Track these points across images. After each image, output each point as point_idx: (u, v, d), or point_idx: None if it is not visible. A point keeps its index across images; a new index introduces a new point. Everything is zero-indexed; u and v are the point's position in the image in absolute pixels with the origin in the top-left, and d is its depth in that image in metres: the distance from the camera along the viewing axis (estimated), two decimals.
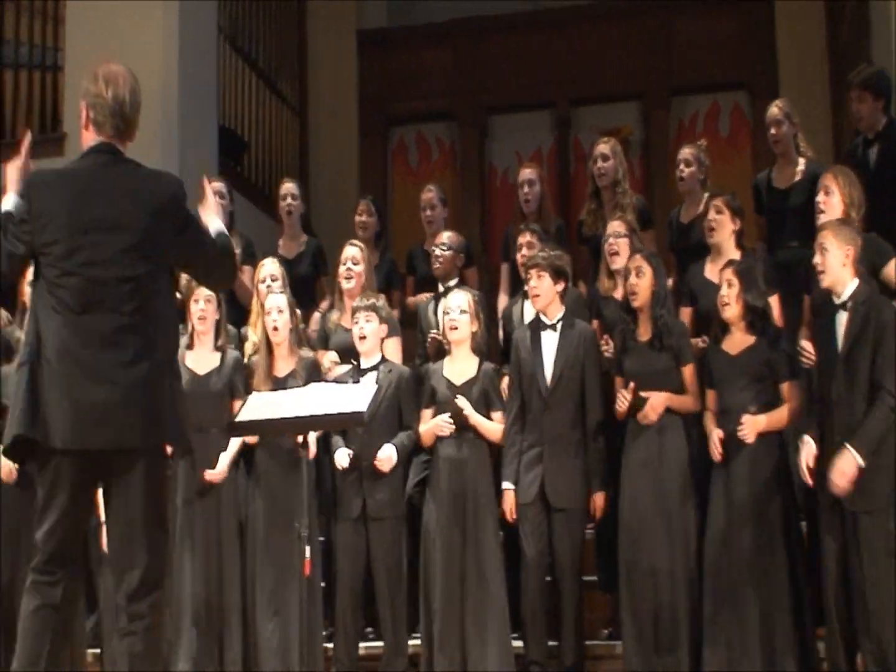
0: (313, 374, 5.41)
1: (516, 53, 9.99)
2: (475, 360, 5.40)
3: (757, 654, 4.74)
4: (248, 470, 5.44)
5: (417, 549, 5.29)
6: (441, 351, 5.67)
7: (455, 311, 5.38)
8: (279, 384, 5.35)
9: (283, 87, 10.12)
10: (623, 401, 5.07)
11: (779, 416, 4.93)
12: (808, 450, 4.62)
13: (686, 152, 6.23)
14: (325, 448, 5.41)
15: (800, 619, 4.77)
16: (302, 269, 6.78)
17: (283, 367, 5.47)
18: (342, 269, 5.91)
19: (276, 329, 5.47)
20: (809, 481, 4.64)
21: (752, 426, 4.86)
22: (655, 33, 9.81)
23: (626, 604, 5.00)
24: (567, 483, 5.17)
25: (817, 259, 4.66)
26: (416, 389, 5.47)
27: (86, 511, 3.44)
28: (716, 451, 4.91)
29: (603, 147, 6.34)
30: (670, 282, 5.65)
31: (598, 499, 5.19)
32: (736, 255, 5.44)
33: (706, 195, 5.92)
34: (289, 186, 6.98)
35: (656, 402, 5.03)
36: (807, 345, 4.99)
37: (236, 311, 6.18)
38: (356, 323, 5.44)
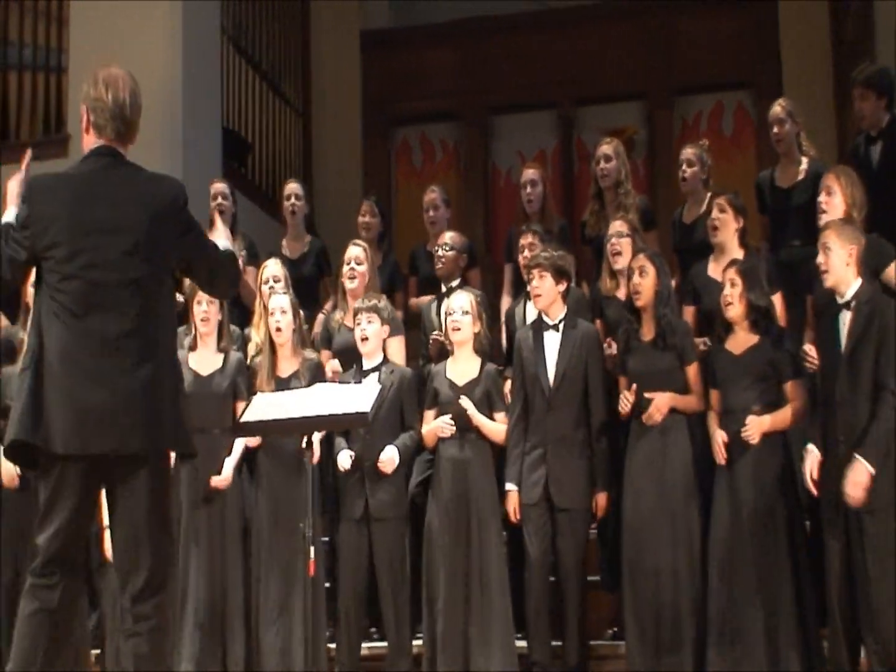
0: (317, 375, 5.42)
1: (520, 53, 9.99)
2: (477, 361, 5.40)
3: (761, 655, 4.74)
4: (251, 473, 5.44)
5: (420, 549, 5.30)
6: (443, 352, 5.68)
7: (457, 312, 5.38)
8: (282, 385, 5.36)
9: (286, 89, 10.13)
10: (626, 402, 5.07)
11: (783, 416, 4.93)
12: (812, 459, 4.62)
13: (688, 152, 6.23)
14: (329, 448, 5.41)
15: (804, 619, 4.77)
16: (306, 269, 6.80)
17: (286, 367, 5.48)
18: (345, 269, 5.92)
19: (279, 330, 5.47)
20: (814, 491, 4.63)
21: (756, 427, 4.86)
22: (659, 33, 9.81)
23: (629, 604, 5.00)
24: (571, 483, 5.17)
25: (820, 258, 4.65)
26: (417, 390, 5.48)
27: (89, 516, 3.44)
28: (720, 454, 4.91)
29: (606, 148, 6.33)
30: (673, 282, 5.64)
31: (601, 499, 5.19)
32: (739, 253, 5.44)
33: (709, 195, 5.93)
34: (293, 187, 6.99)
35: (661, 402, 5.03)
36: (810, 349, 4.98)
37: (240, 311, 6.19)
38: (358, 324, 5.45)
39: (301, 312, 5.64)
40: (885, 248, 4.98)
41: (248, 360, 5.60)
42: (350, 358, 5.61)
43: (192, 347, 5.45)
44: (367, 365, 5.43)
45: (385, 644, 5.33)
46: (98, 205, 3.36)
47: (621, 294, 5.56)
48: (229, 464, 5.30)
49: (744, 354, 5.00)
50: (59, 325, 3.30)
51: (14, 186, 3.49)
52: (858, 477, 4.39)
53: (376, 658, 5.40)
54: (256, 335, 5.68)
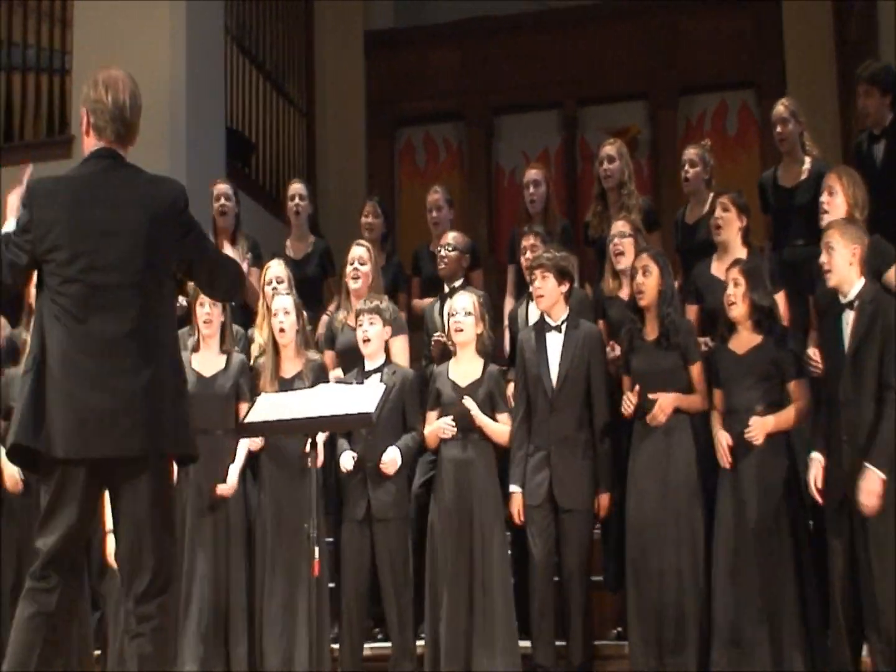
0: (320, 375, 5.42)
1: (523, 54, 10.01)
2: (480, 362, 5.39)
3: (765, 655, 4.74)
4: (254, 475, 5.44)
5: (423, 551, 5.29)
6: (446, 353, 5.67)
7: (460, 312, 5.37)
8: (286, 385, 5.36)
9: (290, 89, 10.14)
10: (629, 403, 5.07)
11: (786, 416, 4.92)
12: (816, 468, 4.61)
13: (690, 152, 6.22)
14: (331, 450, 5.41)
15: (807, 619, 4.77)
16: (309, 269, 6.80)
17: (289, 368, 5.48)
18: (349, 269, 5.92)
19: (282, 331, 5.47)
20: (819, 500, 4.62)
21: (760, 428, 4.85)
22: (662, 33, 9.82)
23: (632, 604, 5.00)
24: (575, 484, 5.16)
25: (823, 258, 4.63)
26: (420, 391, 5.47)
27: (90, 519, 3.44)
28: (724, 458, 4.90)
29: (609, 149, 6.33)
30: (676, 283, 5.64)
31: (604, 499, 5.19)
32: (742, 252, 5.44)
33: (711, 195, 5.92)
34: (297, 187, 6.99)
35: (665, 403, 5.02)
36: (814, 353, 4.98)
37: (243, 312, 6.19)
38: (360, 325, 5.44)
39: (304, 313, 5.63)
40: (886, 250, 4.95)
41: (252, 361, 5.61)
42: (354, 358, 5.60)
43: (195, 349, 5.45)
44: (369, 366, 5.43)
45: (389, 644, 5.32)
46: (98, 207, 3.35)
47: (624, 294, 5.55)
48: (234, 470, 5.30)
49: (747, 354, 5.00)
50: (60, 328, 3.30)
51: (14, 200, 3.48)
52: (871, 486, 4.37)
53: (380, 658, 5.39)
54: (260, 336, 5.68)
